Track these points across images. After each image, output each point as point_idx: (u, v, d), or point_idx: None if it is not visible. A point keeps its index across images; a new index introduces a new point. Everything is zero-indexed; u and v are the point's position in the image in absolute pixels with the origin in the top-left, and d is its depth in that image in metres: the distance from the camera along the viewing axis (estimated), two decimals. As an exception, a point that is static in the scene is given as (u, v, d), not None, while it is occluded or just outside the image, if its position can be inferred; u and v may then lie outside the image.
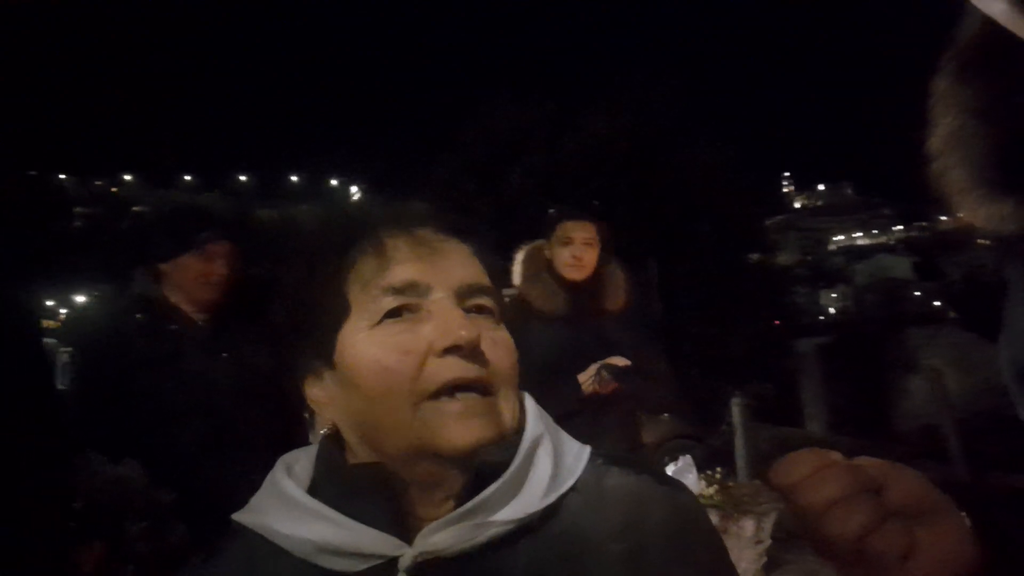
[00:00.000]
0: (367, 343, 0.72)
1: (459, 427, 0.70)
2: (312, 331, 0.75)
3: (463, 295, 0.75)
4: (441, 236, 0.79)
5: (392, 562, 0.69)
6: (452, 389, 0.71)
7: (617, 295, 2.66)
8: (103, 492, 1.68)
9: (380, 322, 0.72)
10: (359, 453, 0.75)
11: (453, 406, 0.70)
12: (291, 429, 2.18)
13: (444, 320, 0.72)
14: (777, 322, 13.51)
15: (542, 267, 2.62)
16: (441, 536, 0.69)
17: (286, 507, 0.73)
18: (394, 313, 0.73)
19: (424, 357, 0.71)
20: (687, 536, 0.75)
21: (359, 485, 0.72)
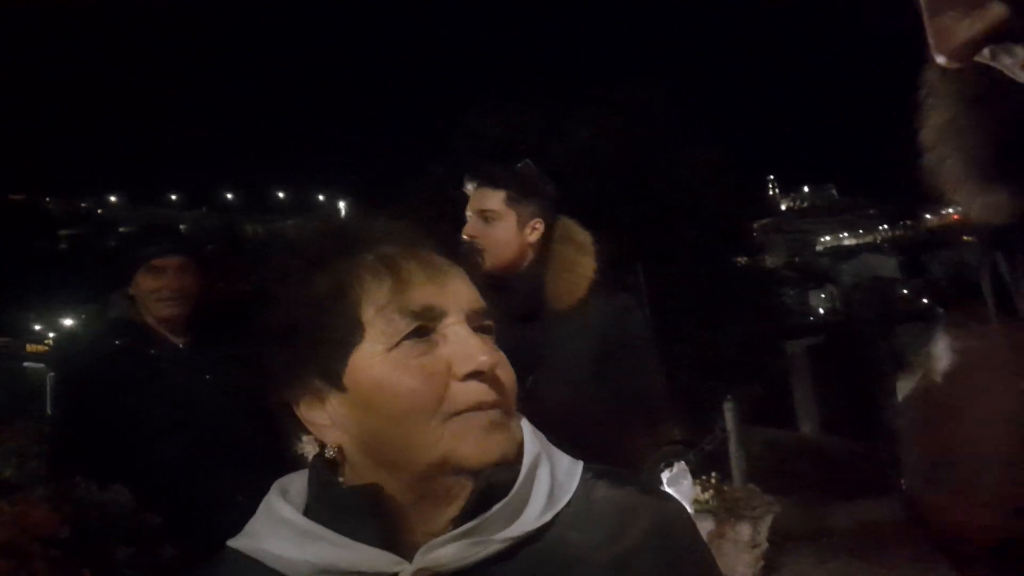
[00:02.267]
0: (387, 366, 0.72)
1: (485, 441, 0.71)
2: (318, 353, 0.74)
3: (473, 318, 0.76)
4: (440, 261, 0.78)
5: None
6: (476, 408, 0.72)
7: (563, 285, 1.90)
8: (89, 518, 1.66)
9: (398, 345, 0.72)
10: (363, 473, 0.75)
11: (480, 419, 0.72)
12: (276, 448, 2.16)
13: (465, 346, 0.73)
14: (766, 325, 13.56)
15: None
16: (441, 553, 0.69)
17: (282, 530, 0.73)
18: (411, 336, 0.72)
19: (447, 380, 0.72)
20: (674, 548, 0.76)
21: (355, 505, 0.72)
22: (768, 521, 4.96)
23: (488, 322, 0.78)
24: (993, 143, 0.76)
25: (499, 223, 1.89)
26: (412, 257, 0.76)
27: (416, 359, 0.72)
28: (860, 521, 5.49)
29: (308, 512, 0.74)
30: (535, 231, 1.93)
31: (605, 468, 0.83)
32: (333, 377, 0.74)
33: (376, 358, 0.72)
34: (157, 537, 1.85)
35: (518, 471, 0.74)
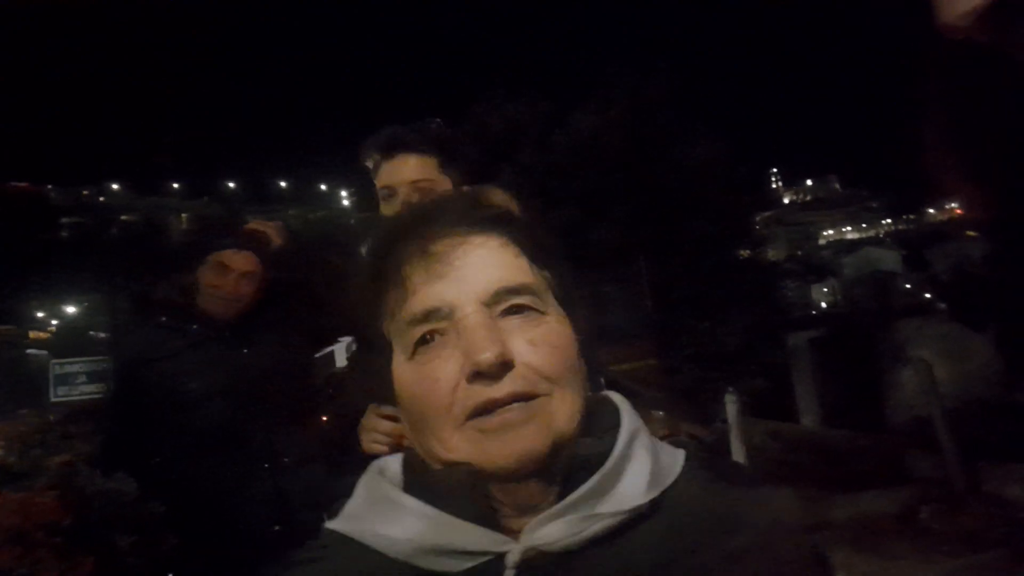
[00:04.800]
0: (406, 375, 0.72)
1: (498, 444, 0.68)
2: (374, 371, 0.76)
3: (494, 301, 0.71)
4: (464, 237, 0.74)
5: (498, 559, 0.67)
6: (488, 410, 0.68)
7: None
8: (92, 507, 1.67)
9: (414, 353, 0.71)
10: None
11: (490, 423, 0.68)
12: (310, 427, 2.19)
13: (468, 343, 0.68)
14: (769, 317, 13.56)
15: None
16: (548, 529, 0.67)
17: (385, 509, 0.71)
18: (424, 340, 0.71)
19: (455, 384, 0.69)
20: (786, 544, 0.72)
21: (453, 484, 0.70)
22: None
23: (522, 299, 0.72)
24: (992, 141, 0.75)
25: (435, 194, 1.64)
26: (422, 256, 0.73)
27: (427, 365, 0.70)
28: (861, 513, 5.50)
29: (406, 489, 0.73)
30: None
31: (710, 456, 0.80)
32: (388, 390, 0.75)
33: (400, 368, 0.73)
34: (159, 526, 1.85)
35: (614, 441, 0.72)
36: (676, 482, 0.73)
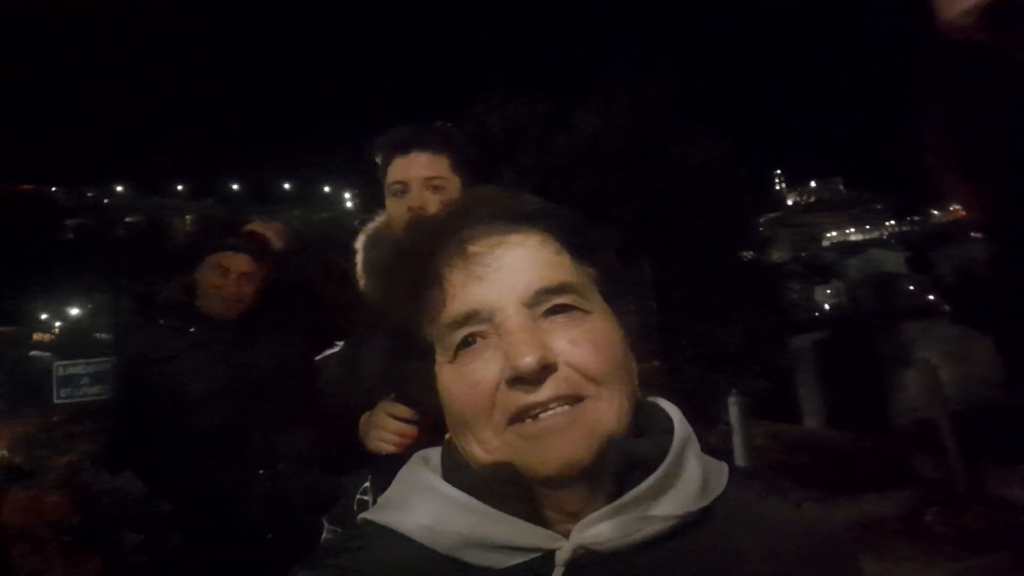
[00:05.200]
0: (447, 378, 0.72)
1: (540, 450, 0.66)
2: (417, 373, 0.76)
3: (534, 302, 0.69)
4: (504, 236, 0.72)
5: (546, 557, 0.66)
6: (528, 414, 0.67)
7: None
8: (100, 506, 1.68)
9: (456, 356, 0.70)
10: None
11: (533, 428, 0.66)
12: (313, 425, 2.21)
13: (509, 348, 0.67)
14: (773, 319, 13.54)
15: (384, 240, 1.80)
16: (600, 528, 0.66)
17: (429, 500, 0.69)
18: (466, 343, 0.70)
19: (495, 387, 0.68)
20: (832, 561, 0.73)
21: (497, 482, 0.68)
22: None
23: (564, 299, 0.70)
24: (994, 143, 0.75)
25: (447, 192, 1.71)
26: (461, 258, 0.72)
27: (466, 368, 0.69)
28: (865, 515, 5.48)
29: (447, 480, 0.71)
30: None
31: (754, 470, 0.80)
32: (432, 393, 0.74)
33: (442, 371, 0.72)
34: (166, 525, 1.86)
35: (668, 445, 0.70)
36: (725, 493, 0.71)
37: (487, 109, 13.31)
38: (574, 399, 0.67)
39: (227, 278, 2.24)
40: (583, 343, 0.69)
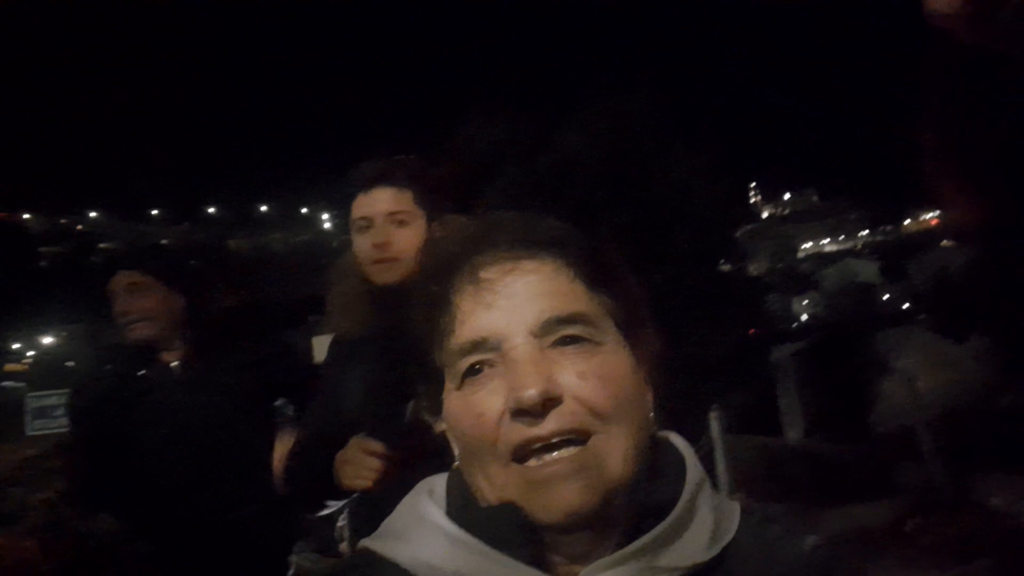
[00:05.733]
0: (453, 407, 0.70)
1: (545, 498, 0.64)
2: (428, 396, 0.75)
3: (543, 332, 0.67)
4: (516, 262, 0.71)
5: None
6: (538, 449, 0.64)
7: None
8: (75, 548, 1.64)
9: (462, 383, 0.69)
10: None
11: (538, 473, 0.64)
12: (266, 464, 2.16)
13: (513, 378, 0.65)
14: (752, 331, 13.63)
15: (351, 275, 1.81)
16: None
17: (431, 535, 0.67)
18: (472, 370, 0.68)
19: (499, 418, 0.65)
20: None
21: (501, 523, 0.66)
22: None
23: (575, 330, 0.68)
24: (984, 151, 0.76)
25: (412, 226, 1.71)
26: (472, 284, 0.70)
27: (472, 397, 0.67)
28: (851, 526, 5.50)
29: (450, 515, 0.69)
30: (438, 233, 1.77)
31: (767, 511, 0.76)
32: (439, 411, 0.73)
33: (449, 398, 0.71)
34: (144, 566, 1.82)
35: (679, 490, 0.68)
36: (735, 539, 0.69)
37: (471, 126, 13.38)
38: (580, 434, 0.65)
39: (117, 303, 2.14)
40: (592, 377, 0.66)
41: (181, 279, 2.24)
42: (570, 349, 0.67)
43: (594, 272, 0.72)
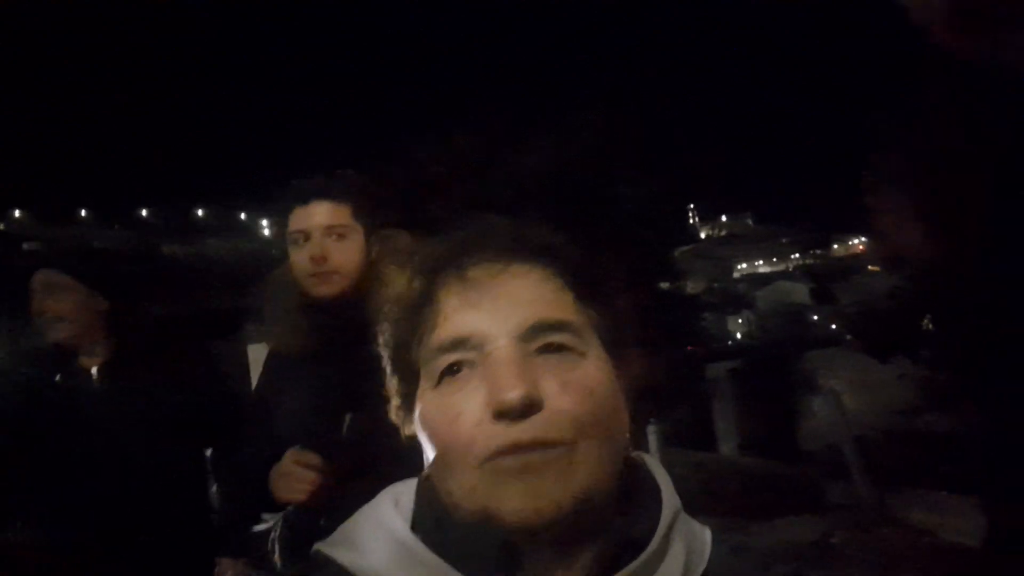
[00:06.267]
0: (429, 406, 0.67)
1: (517, 491, 0.61)
2: (400, 395, 0.72)
3: (528, 337, 0.65)
4: (504, 266, 0.69)
5: None
6: (508, 451, 0.62)
7: None
8: (22, 560, 1.56)
9: (439, 383, 0.66)
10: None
11: (510, 464, 0.61)
12: (185, 482, 2.10)
13: (495, 378, 0.63)
14: (690, 348, 13.90)
15: (287, 287, 1.77)
16: None
17: (393, 549, 0.64)
18: (451, 370, 0.66)
19: (479, 420, 0.63)
20: None
21: (472, 544, 0.63)
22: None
23: (560, 338, 0.66)
24: (927, 186, 0.78)
25: (349, 240, 1.70)
26: (459, 281, 0.69)
27: (451, 398, 0.65)
28: (779, 540, 5.63)
29: (415, 528, 0.66)
30: (375, 247, 1.75)
31: (735, 542, 0.76)
32: (412, 412, 0.71)
33: (424, 398, 0.68)
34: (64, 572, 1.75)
35: (655, 522, 0.66)
36: (707, 571, 0.67)
37: (413, 142, 13.37)
38: (558, 444, 0.62)
39: (34, 302, 2.07)
40: (574, 387, 0.64)
41: (104, 282, 2.15)
42: (554, 358, 0.65)
43: (583, 284, 0.71)
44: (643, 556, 0.63)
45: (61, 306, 2.07)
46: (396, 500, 0.69)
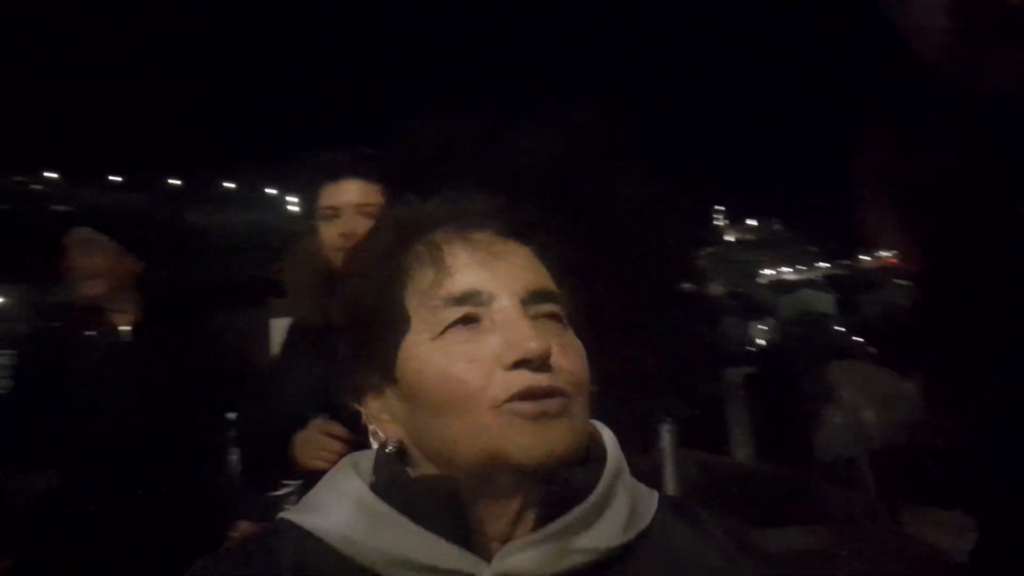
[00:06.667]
0: (432, 355, 0.69)
1: (534, 432, 0.66)
2: (373, 347, 0.73)
3: (528, 301, 0.72)
4: (500, 239, 0.75)
5: None
6: (525, 396, 0.67)
7: None
8: (13, 503, 1.62)
9: (443, 333, 0.70)
10: (423, 469, 0.72)
11: (529, 409, 0.67)
12: (208, 434, 2.15)
13: (512, 331, 0.69)
14: (708, 351, 13.84)
15: (312, 260, 1.83)
16: (522, 557, 0.66)
17: (355, 510, 0.68)
18: (457, 323, 0.70)
19: (492, 368, 0.68)
20: None
21: (427, 496, 0.68)
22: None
23: (552, 307, 0.73)
24: (917, 198, 0.78)
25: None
26: (463, 240, 0.74)
27: (460, 346, 0.69)
28: (786, 548, 5.61)
29: (375, 489, 0.70)
30: None
31: (682, 501, 0.80)
32: (386, 370, 0.72)
33: (422, 347, 0.70)
34: (82, 525, 1.82)
35: (599, 475, 0.71)
36: (650, 526, 0.73)
37: (420, 124, 13.36)
38: (563, 396, 0.69)
39: (69, 259, 2.13)
40: (569, 351, 0.72)
41: (138, 242, 2.21)
42: (549, 322, 0.73)
43: (557, 265, 0.78)
44: (584, 505, 0.68)
45: (95, 263, 2.13)
46: (356, 465, 0.74)
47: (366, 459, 0.76)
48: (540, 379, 0.67)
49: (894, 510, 6.16)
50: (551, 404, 0.67)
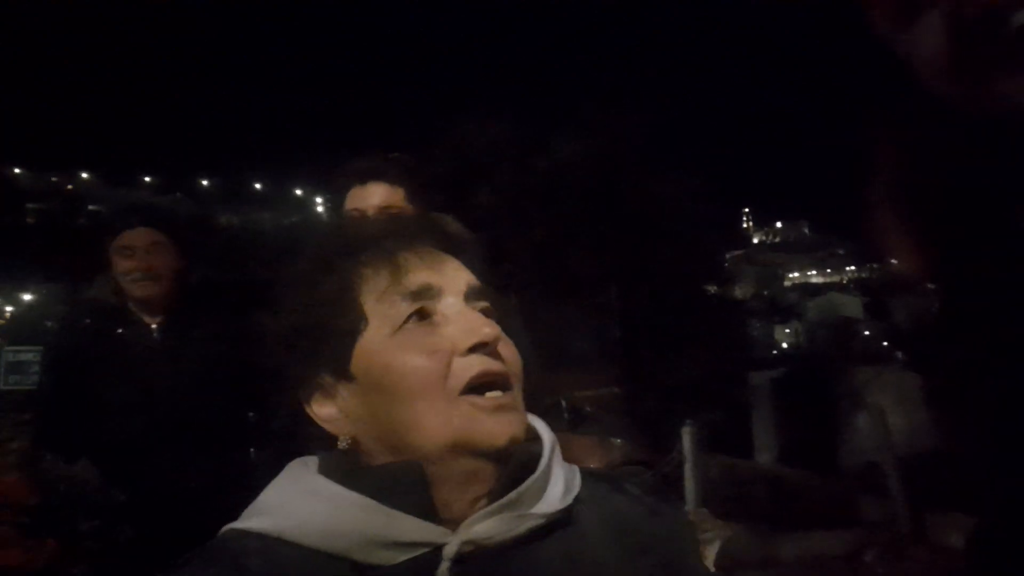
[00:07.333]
0: (393, 348, 0.75)
1: (495, 423, 0.73)
2: (324, 350, 0.78)
3: (471, 297, 0.79)
4: (436, 251, 0.83)
5: (434, 552, 0.70)
6: (481, 387, 0.74)
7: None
8: (56, 490, 1.67)
9: (401, 327, 0.76)
10: (385, 459, 0.76)
11: (485, 402, 0.74)
12: (237, 433, 2.19)
13: (464, 321, 0.76)
14: (734, 353, 13.72)
15: None
16: (484, 526, 0.72)
17: (316, 500, 0.72)
18: (412, 318, 0.76)
19: (450, 356, 0.74)
20: (675, 556, 0.82)
21: (395, 480, 0.72)
22: (717, 546, 5.01)
23: (486, 304, 0.81)
24: (932, 205, 0.79)
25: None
26: (407, 249, 0.80)
27: (420, 338, 0.75)
28: (810, 552, 5.57)
29: (339, 484, 0.74)
30: None
31: (601, 471, 0.90)
32: (341, 369, 0.77)
33: (382, 343, 0.76)
34: (120, 514, 1.85)
35: (540, 451, 0.79)
36: (580, 494, 0.80)
37: (465, 127, 13.41)
38: (508, 387, 0.76)
39: (133, 259, 2.15)
40: (507, 343, 0.79)
41: (190, 244, 2.28)
42: (488, 318, 0.79)
43: (481, 277, 0.84)
44: (535, 475, 0.76)
45: (160, 263, 2.18)
46: (305, 465, 0.78)
47: (312, 461, 0.79)
48: (493, 364, 0.75)
49: (920, 516, 6.09)
50: (504, 399, 0.75)
